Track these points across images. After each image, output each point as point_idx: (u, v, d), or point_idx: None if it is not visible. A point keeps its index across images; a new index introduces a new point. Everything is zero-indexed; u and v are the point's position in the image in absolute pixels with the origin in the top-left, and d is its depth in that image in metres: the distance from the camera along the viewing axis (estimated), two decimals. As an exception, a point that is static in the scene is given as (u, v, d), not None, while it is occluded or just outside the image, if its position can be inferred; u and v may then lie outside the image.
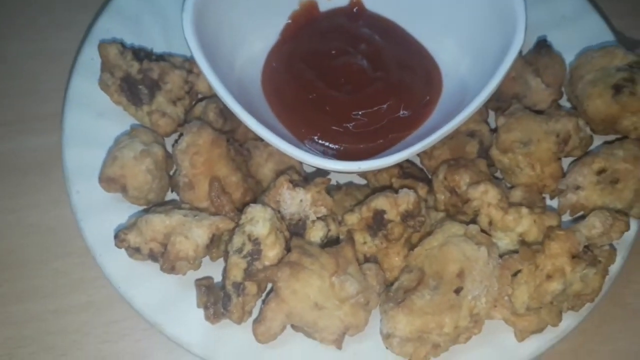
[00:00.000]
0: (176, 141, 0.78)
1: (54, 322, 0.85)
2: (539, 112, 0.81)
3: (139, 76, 0.80)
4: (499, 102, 0.85)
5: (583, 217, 0.74)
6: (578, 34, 0.90)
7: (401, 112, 0.89)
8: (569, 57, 0.89)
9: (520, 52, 0.83)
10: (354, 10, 0.98)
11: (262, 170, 0.83)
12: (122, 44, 0.82)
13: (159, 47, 0.90)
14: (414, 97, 0.90)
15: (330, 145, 0.87)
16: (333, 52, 0.93)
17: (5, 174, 0.95)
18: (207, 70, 0.76)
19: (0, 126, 0.99)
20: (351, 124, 0.88)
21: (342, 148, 0.87)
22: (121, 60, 0.80)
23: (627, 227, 0.70)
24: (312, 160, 0.74)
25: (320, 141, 0.87)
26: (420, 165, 0.88)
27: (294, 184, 0.74)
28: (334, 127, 0.88)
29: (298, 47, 0.94)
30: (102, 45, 0.81)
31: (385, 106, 0.89)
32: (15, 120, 1.00)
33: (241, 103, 0.79)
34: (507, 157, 0.79)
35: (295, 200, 0.74)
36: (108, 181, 0.73)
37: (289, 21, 0.95)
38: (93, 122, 0.82)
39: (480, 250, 0.66)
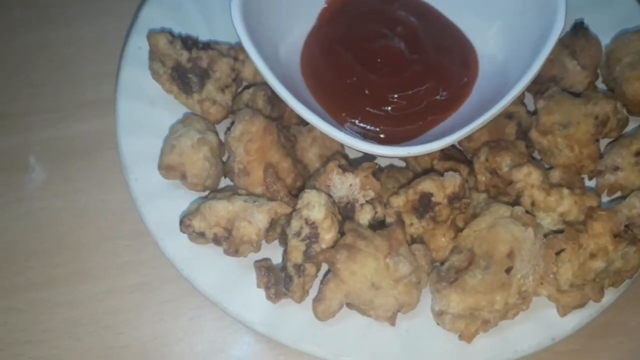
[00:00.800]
0: (228, 129, 0.81)
1: (108, 302, 0.89)
2: (576, 95, 0.84)
3: (188, 65, 0.83)
4: (536, 84, 0.87)
5: (620, 197, 0.77)
6: (613, 16, 0.92)
7: (439, 95, 0.91)
8: (604, 40, 0.91)
9: (558, 35, 0.85)
10: (389, -8, 1.00)
11: (307, 155, 0.86)
12: (171, 33, 0.84)
13: (202, 35, 0.91)
14: (452, 79, 0.92)
15: (371, 128, 0.90)
16: (370, 35, 0.95)
17: (55, 159, 0.99)
18: (256, 58, 0.78)
19: (47, 113, 1.02)
20: (390, 107, 0.90)
21: (381, 131, 0.90)
22: (171, 50, 0.82)
23: (668, 206, 0.73)
24: (361, 146, 0.77)
25: (360, 124, 0.90)
26: (459, 147, 0.91)
27: (343, 169, 0.78)
28: (373, 111, 0.90)
29: (335, 30, 0.96)
30: (152, 34, 0.83)
31: (423, 89, 0.91)
32: (60, 107, 1.02)
33: (286, 89, 0.82)
34: (546, 139, 0.82)
35: (345, 185, 0.77)
36: (167, 169, 0.76)
37: (325, 5, 0.97)
38: (145, 110, 0.85)
39: (528, 231, 0.70)
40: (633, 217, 0.73)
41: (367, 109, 0.90)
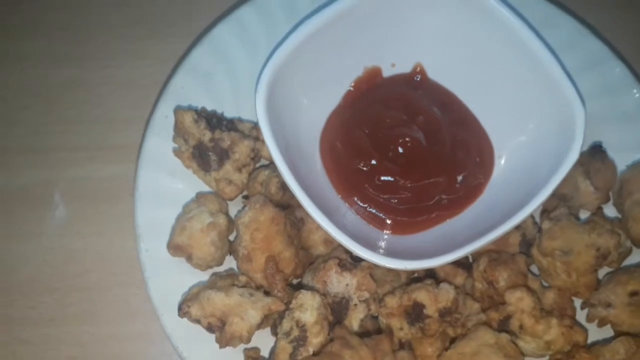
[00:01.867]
0: (239, 211, 0.84)
1: (111, 347, 0.95)
2: (581, 217, 0.85)
3: (210, 144, 0.86)
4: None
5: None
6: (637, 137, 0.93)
7: (451, 192, 0.93)
8: (623, 157, 0.91)
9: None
10: (416, 77, 1.01)
11: (312, 237, 0.89)
12: (197, 111, 0.88)
13: (228, 108, 0.95)
14: (466, 177, 0.94)
15: (379, 215, 0.93)
16: (390, 121, 0.97)
17: (79, 199, 1.04)
18: (273, 150, 0.81)
19: (76, 151, 1.07)
20: (400, 197, 0.92)
21: (388, 219, 0.92)
22: (195, 128, 0.86)
23: (650, 357, 0.74)
24: (359, 252, 0.79)
25: (369, 209, 0.93)
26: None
27: (342, 266, 0.81)
28: (383, 199, 0.93)
29: (357, 113, 0.97)
30: (179, 111, 0.87)
31: (435, 183, 0.93)
32: (90, 146, 1.07)
33: (301, 171, 0.85)
34: (546, 260, 0.83)
35: (342, 284, 0.80)
36: (176, 249, 0.81)
37: (351, 87, 0.99)
38: (165, 181, 0.89)
39: (507, 364, 0.72)
40: (616, 362, 0.75)
41: (377, 197, 0.93)
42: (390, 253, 0.85)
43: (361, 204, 0.93)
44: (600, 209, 0.87)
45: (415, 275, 0.89)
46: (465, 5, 0.90)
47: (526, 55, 0.87)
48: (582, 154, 0.90)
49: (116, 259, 1.00)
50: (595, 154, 0.88)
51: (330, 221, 0.80)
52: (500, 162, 0.95)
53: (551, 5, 1.01)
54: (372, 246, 0.84)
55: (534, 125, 0.89)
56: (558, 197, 0.88)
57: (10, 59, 1.13)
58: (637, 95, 0.94)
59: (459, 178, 0.93)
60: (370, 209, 0.93)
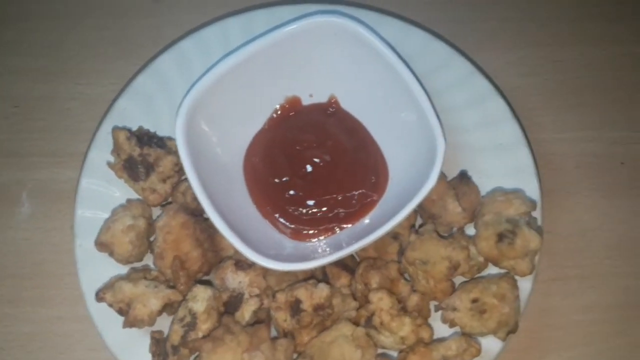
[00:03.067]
0: (159, 216, 1.01)
1: (59, 326, 1.10)
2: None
3: (139, 159, 1.03)
4: (422, 217, 1.04)
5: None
6: (509, 163, 1.07)
7: (347, 208, 1.08)
8: (494, 182, 1.06)
9: (444, 177, 1.02)
10: (331, 107, 1.17)
11: (223, 241, 1.04)
12: (130, 130, 1.05)
13: (165, 125, 1.12)
14: (361, 195, 1.09)
15: (288, 224, 1.09)
16: (305, 143, 1.13)
17: (42, 198, 1.20)
18: (188, 170, 0.97)
19: (43, 157, 1.21)
20: (304, 209, 1.08)
21: (296, 228, 1.08)
22: (127, 145, 1.03)
23: (478, 353, 0.89)
24: (246, 253, 0.94)
25: (280, 219, 1.09)
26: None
27: (239, 266, 0.97)
28: (291, 210, 1.08)
29: (278, 135, 1.13)
30: (115, 130, 1.04)
31: (335, 200, 1.08)
32: (57, 153, 1.22)
33: (214, 185, 1.02)
34: (411, 268, 0.98)
35: (236, 281, 0.97)
36: (101, 245, 0.98)
37: (274, 114, 1.15)
38: (102, 188, 1.07)
39: (356, 352, 0.87)
40: (449, 357, 0.89)
41: (286, 208, 1.09)
42: (287, 257, 1.01)
43: (273, 214, 1.09)
44: (465, 224, 1.02)
45: (310, 275, 1.05)
46: (361, 46, 1.05)
47: (409, 95, 1.02)
48: (453, 179, 1.06)
49: (69, 251, 1.15)
50: (462, 179, 1.03)
51: (227, 226, 0.96)
52: (392, 183, 1.10)
53: (447, 47, 1.16)
54: (271, 249, 1.01)
55: (413, 153, 1.04)
56: (428, 215, 1.03)
57: (-1, 73, 1.31)
58: (510, 130, 1.08)
59: (356, 195, 1.09)
60: (280, 218, 1.09)
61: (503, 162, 1.07)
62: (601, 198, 1.20)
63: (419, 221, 1.07)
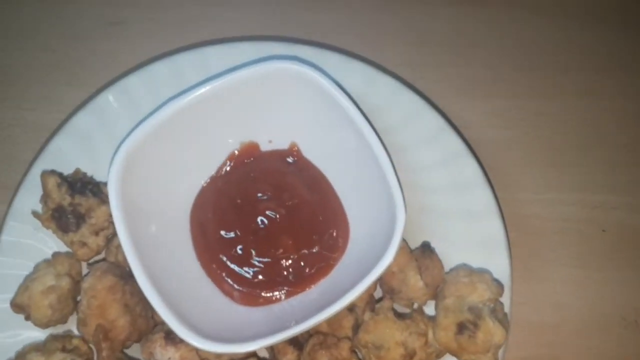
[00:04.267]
0: (85, 275, 0.91)
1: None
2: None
3: (69, 208, 0.93)
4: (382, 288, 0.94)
5: None
6: (478, 233, 0.98)
7: (301, 271, 0.98)
8: (461, 255, 0.96)
9: (407, 247, 0.92)
10: (292, 155, 1.07)
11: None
12: (61, 175, 0.95)
13: (104, 169, 1.00)
14: (317, 257, 0.99)
15: (235, 286, 0.98)
16: (259, 195, 1.03)
17: None
18: (119, 229, 0.86)
19: None
20: (252, 270, 0.98)
21: (242, 291, 0.98)
22: (56, 192, 0.93)
23: None
24: (176, 330, 0.83)
25: (226, 279, 0.98)
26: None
27: (168, 339, 0.87)
28: (237, 270, 0.98)
29: (230, 185, 1.03)
30: (44, 175, 0.94)
31: (287, 262, 0.98)
32: None
33: (154, 243, 0.91)
34: (364, 350, 0.88)
35: (165, 357, 0.86)
36: (17, 307, 0.88)
37: (227, 160, 1.05)
38: (28, 236, 0.96)
39: None
40: None
41: (232, 267, 0.98)
42: (227, 329, 0.91)
43: (219, 273, 0.99)
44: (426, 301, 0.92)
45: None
46: (322, 95, 0.95)
47: (370, 153, 0.92)
48: (416, 249, 0.96)
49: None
50: (425, 251, 0.93)
51: (157, 295, 0.85)
52: (352, 244, 1.00)
53: (417, 98, 1.06)
54: (210, 320, 0.90)
55: (375, 214, 0.94)
56: (388, 289, 0.93)
57: None
58: (482, 197, 0.98)
59: (312, 255, 0.98)
60: (226, 278, 0.98)
61: (472, 232, 0.97)
62: (579, 268, 1.11)
63: (378, 291, 0.97)
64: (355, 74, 1.07)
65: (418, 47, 1.25)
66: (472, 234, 0.97)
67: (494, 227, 0.97)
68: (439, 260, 0.94)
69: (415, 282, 0.91)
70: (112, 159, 0.90)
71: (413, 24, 1.28)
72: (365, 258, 0.93)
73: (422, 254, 0.93)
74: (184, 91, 0.97)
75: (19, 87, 1.23)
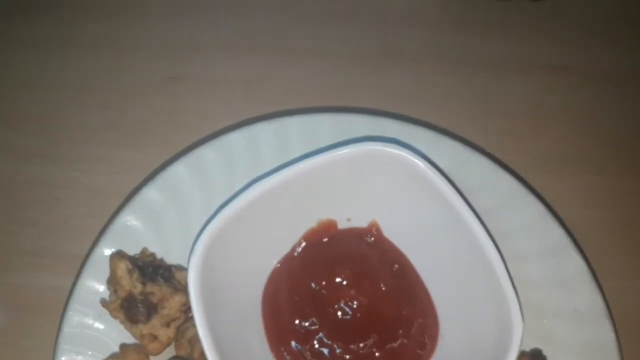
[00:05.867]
0: None
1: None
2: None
3: (140, 297, 0.84)
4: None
5: None
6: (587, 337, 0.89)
7: (384, 367, 0.89)
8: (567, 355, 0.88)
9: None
10: (371, 234, 0.99)
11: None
12: (132, 259, 0.86)
13: (175, 249, 0.93)
14: (404, 350, 0.90)
15: (305, 378, 0.89)
16: (337, 280, 0.94)
17: (18, 307, 1.00)
18: (204, 334, 0.78)
19: (23, 256, 1.03)
20: None
21: None
22: (127, 280, 0.84)
23: None
24: None
25: None
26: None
27: None
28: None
29: (306, 266, 0.95)
30: (114, 259, 0.85)
31: (369, 355, 0.89)
32: (38, 253, 1.04)
33: (230, 336, 0.82)
34: None
35: None
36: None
37: (303, 239, 0.97)
38: (91, 325, 0.87)
39: None
40: None
41: (305, 355, 0.89)
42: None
43: (288, 357, 0.90)
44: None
45: None
46: (417, 180, 0.88)
47: (474, 248, 0.84)
48: (523, 354, 0.87)
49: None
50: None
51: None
52: (442, 343, 0.91)
53: (513, 180, 0.98)
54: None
55: (474, 316, 0.86)
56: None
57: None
58: (588, 294, 0.90)
59: (395, 355, 0.90)
60: None
61: (580, 335, 0.88)
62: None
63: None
64: (445, 151, 0.99)
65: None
66: (580, 338, 0.88)
67: (604, 329, 0.88)
68: (548, 371, 0.85)
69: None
70: (193, 246, 0.82)
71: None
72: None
73: (533, 361, 0.85)
74: (266, 173, 0.89)
75: (71, 146, 1.15)
